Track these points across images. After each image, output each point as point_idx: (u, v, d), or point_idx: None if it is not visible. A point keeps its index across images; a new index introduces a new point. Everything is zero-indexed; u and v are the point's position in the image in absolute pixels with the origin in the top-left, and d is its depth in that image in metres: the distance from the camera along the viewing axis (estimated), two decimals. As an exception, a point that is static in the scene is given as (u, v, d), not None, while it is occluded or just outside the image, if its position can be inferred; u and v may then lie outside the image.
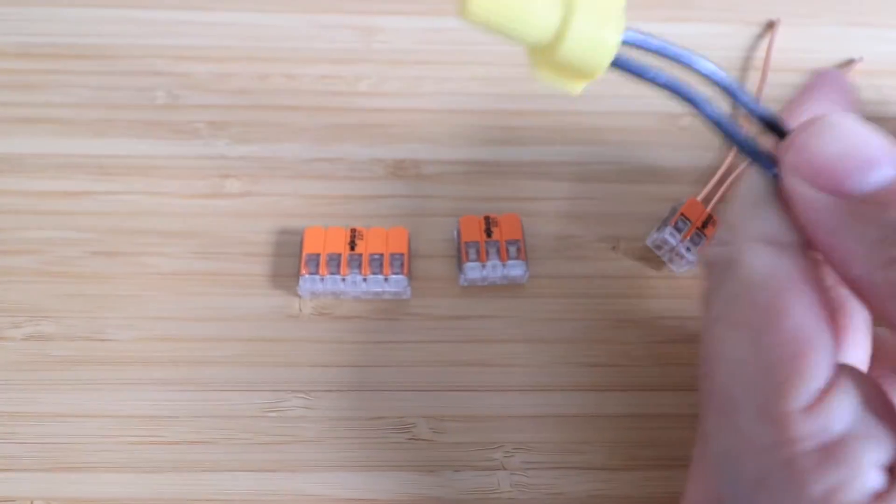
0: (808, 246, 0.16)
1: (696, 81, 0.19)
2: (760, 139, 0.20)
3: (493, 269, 0.26)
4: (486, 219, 0.27)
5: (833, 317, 0.16)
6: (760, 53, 0.32)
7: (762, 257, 0.16)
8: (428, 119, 0.30)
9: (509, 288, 0.26)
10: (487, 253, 0.26)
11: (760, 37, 0.32)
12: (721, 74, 0.18)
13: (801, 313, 0.15)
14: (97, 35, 0.32)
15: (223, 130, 0.30)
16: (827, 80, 0.20)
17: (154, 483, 0.23)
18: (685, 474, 0.23)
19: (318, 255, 0.26)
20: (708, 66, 0.18)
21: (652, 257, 0.27)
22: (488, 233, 0.26)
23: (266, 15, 0.34)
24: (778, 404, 0.15)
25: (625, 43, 0.17)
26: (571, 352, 0.25)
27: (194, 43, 0.32)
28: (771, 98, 0.30)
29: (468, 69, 0.32)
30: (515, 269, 0.26)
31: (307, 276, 0.25)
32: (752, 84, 0.31)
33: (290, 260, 0.27)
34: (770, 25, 0.32)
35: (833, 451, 0.14)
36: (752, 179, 0.17)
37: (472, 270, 0.26)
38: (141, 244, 0.27)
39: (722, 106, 0.20)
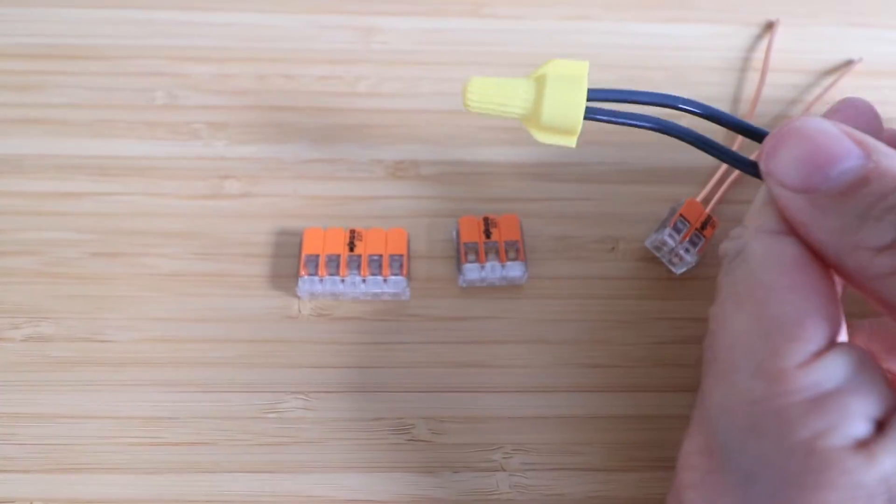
0: None
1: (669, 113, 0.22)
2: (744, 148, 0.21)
3: (492, 270, 0.26)
4: (485, 220, 0.27)
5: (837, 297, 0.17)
6: (760, 54, 0.32)
7: (764, 242, 0.18)
8: (427, 120, 0.30)
9: (508, 289, 0.26)
10: (486, 254, 0.26)
11: (760, 37, 0.32)
12: (693, 102, 0.21)
13: (800, 287, 0.17)
14: (97, 35, 0.32)
15: (222, 131, 0.30)
16: (851, 105, 0.21)
17: (154, 484, 0.23)
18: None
19: (318, 256, 0.26)
20: (673, 99, 0.21)
21: (651, 258, 0.27)
22: (487, 234, 0.26)
23: (266, 15, 0.34)
24: (774, 362, 0.16)
25: (591, 100, 0.21)
26: (570, 353, 0.25)
27: (194, 43, 0.32)
28: (772, 99, 0.30)
29: (467, 69, 0.32)
30: (514, 270, 0.26)
31: (306, 277, 0.25)
32: (751, 84, 0.31)
33: (289, 261, 0.27)
34: (769, 26, 0.32)
35: (822, 402, 0.15)
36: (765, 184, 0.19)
37: (471, 271, 0.26)
38: (140, 245, 0.27)
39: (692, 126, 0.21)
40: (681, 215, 0.26)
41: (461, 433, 0.24)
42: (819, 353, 0.16)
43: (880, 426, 0.15)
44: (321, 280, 0.25)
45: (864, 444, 0.15)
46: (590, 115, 0.21)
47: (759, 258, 0.18)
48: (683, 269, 0.26)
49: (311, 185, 0.28)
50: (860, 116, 0.21)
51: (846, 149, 0.17)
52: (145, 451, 0.23)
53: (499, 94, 0.22)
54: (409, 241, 0.27)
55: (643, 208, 0.28)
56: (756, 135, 0.21)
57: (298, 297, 0.26)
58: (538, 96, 0.21)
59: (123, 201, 0.28)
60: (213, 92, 0.31)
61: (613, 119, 0.21)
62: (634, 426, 0.24)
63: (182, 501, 0.22)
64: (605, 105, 0.21)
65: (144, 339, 0.25)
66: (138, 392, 0.24)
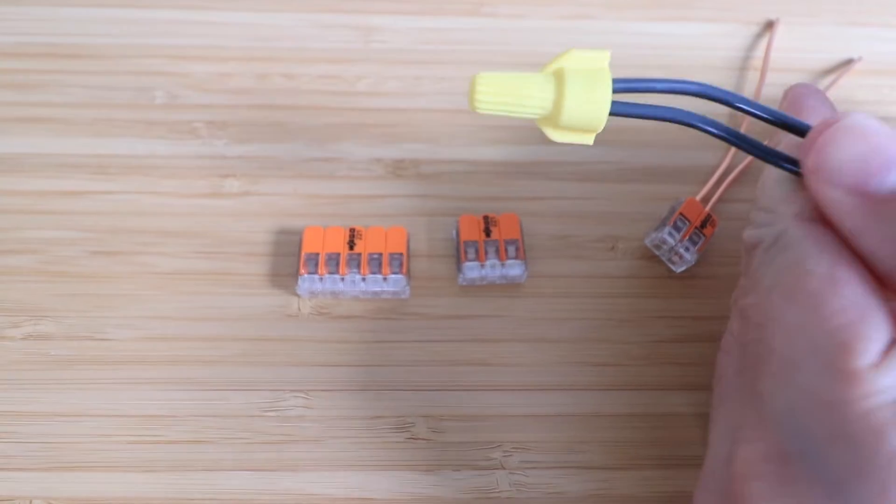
0: None
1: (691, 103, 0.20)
2: (773, 140, 0.20)
3: (492, 269, 0.26)
4: (485, 218, 0.27)
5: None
6: (760, 53, 0.32)
7: (807, 230, 0.17)
8: (427, 119, 0.30)
9: (508, 287, 0.26)
10: (486, 252, 0.26)
11: (759, 36, 0.32)
12: (714, 88, 0.19)
13: (858, 282, 0.16)
14: (97, 35, 0.32)
15: (222, 130, 0.30)
16: (806, 91, 0.21)
17: (153, 482, 0.23)
18: (684, 474, 0.23)
19: (317, 254, 0.26)
20: (695, 88, 0.19)
21: (651, 257, 0.27)
22: (487, 232, 0.26)
23: (266, 15, 0.34)
24: (845, 361, 0.15)
25: (616, 92, 0.19)
26: (570, 351, 0.25)
27: (194, 42, 0.32)
28: (770, 98, 0.30)
29: (467, 68, 0.32)
30: (514, 269, 0.26)
31: (306, 275, 0.25)
32: (751, 84, 0.31)
33: (289, 259, 0.27)
34: (769, 25, 0.32)
35: None
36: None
37: (471, 270, 0.26)
38: (140, 244, 0.27)
39: (720, 118, 0.20)
40: (680, 214, 0.26)
41: (461, 431, 0.24)
42: (888, 352, 0.15)
43: None
44: (321, 278, 0.25)
45: None
46: (617, 110, 0.19)
47: (806, 247, 0.17)
48: (683, 268, 0.26)
49: (310, 184, 0.28)
50: (821, 106, 0.20)
51: None
52: (145, 450, 0.23)
53: (512, 93, 0.19)
54: (408, 240, 0.27)
55: (643, 207, 0.28)
56: (794, 128, 0.19)
57: (298, 296, 0.26)
58: (558, 94, 0.18)
59: (123, 200, 0.28)
60: (213, 91, 0.31)
61: (642, 113, 0.19)
62: (634, 424, 0.24)
63: (182, 499, 0.22)
64: (624, 98, 0.19)
65: (144, 337, 0.25)
66: (138, 390, 0.24)
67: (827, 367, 0.15)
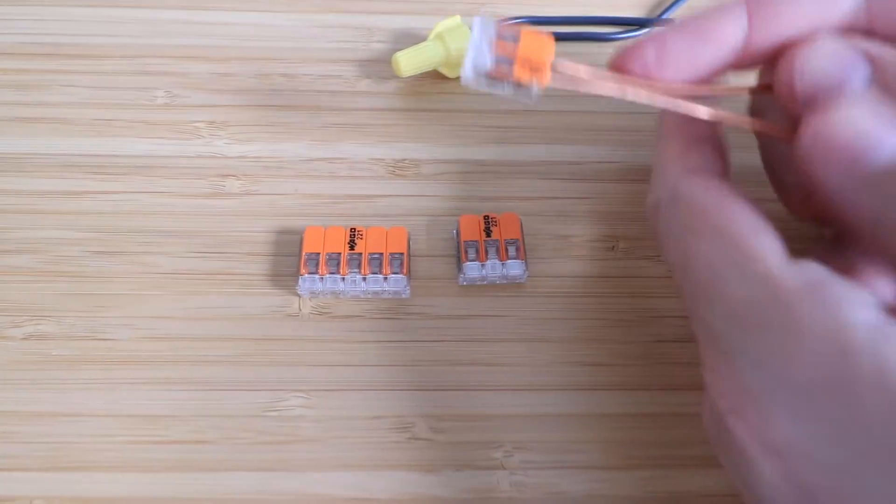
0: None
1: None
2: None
3: (493, 269, 0.26)
4: (486, 218, 0.27)
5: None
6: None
7: (696, 181, 0.20)
8: (427, 118, 0.30)
9: (508, 287, 0.26)
10: (487, 252, 0.26)
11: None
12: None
13: (748, 209, 0.18)
14: (97, 35, 0.32)
15: (223, 130, 0.30)
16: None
17: (154, 482, 0.23)
18: (685, 474, 0.23)
19: (318, 254, 0.26)
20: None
21: (651, 256, 0.27)
22: (487, 232, 0.26)
23: (266, 15, 0.34)
24: (757, 266, 0.18)
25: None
26: (570, 351, 0.25)
27: (194, 42, 0.32)
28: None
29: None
30: (514, 269, 0.26)
31: (307, 275, 0.25)
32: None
33: (289, 259, 0.27)
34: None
35: (822, 290, 0.17)
36: (669, 131, 0.21)
37: (472, 270, 0.26)
38: (141, 244, 0.27)
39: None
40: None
41: (461, 431, 0.24)
42: (789, 257, 0.18)
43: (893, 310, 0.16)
44: (322, 278, 0.25)
45: (874, 329, 0.16)
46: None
47: (700, 193, 0.19)
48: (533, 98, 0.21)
49: (311, 184, 0.28)
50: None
51: (894, 128, 0.17)
52: (145, 450, 0.23)
53: (421, 58, 0.30)
54: (409, 240, 0.27)
55: (643, 207, 0.28)
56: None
57: (299, 296, 0.26)
58: (443, 47, 0.30)
59: (124, 200, 0.28)
60: (214, 91, 0.31)
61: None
62: (634, 424, 0.24)
63: (183, 499, 0.22)
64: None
65: (145, 337, 0.25)
66: (139, 390, 0.24)
67: (742, 274, 0.18)
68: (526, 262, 0.26)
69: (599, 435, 0.24)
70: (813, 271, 0.17)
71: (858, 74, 0.19)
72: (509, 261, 0.26)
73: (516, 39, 0.20)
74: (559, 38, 0.30)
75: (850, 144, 0.17)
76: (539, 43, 0.21)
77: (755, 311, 0.18)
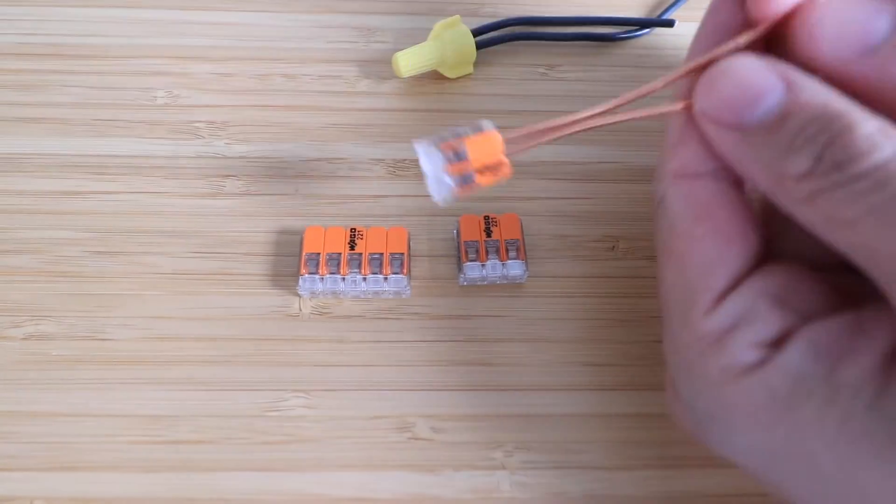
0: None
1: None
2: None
3: (493, 269, 0.26)
4: (486, 218, 0.27)
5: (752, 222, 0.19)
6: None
7: (678, 189, 0.19)
8: (427, 118, 0.30)
9: (509, 287, 0.26)
10: (487, 252, 0.26)
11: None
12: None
13: (711, 234, 0.19)
14: (97, 35, 0.32)
15: (223, 130, 0.30)
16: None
17: (154, 482, 0.23)
18: (685, 474, 0.23)
19: (318, 254, 0.26)
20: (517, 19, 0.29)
21: (651, 257, 0.27)
22: (488, 232, 0.26)
23: (266, 15, 0.34)
24: (690, 314, 0.18)
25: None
26: (571, 351, 0.25)
27: (194, 42, 0.32)
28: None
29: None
30: (515, 269, 0.26)
31: (307, 275, 0.25)
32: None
33: (290, 259, 0.27)
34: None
35: (720, 340, 0.18)
36: (670, 125, 0.21)
37: (472, 270, 0.26)
38: (141, 244, 0.27)
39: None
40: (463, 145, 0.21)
41: (462, 431, 0.24)
42: (720, 298, 0.18)
43: (775, 344, 0.17)
44: (322, 279, 0.25)
45: (750, 370, 0.17)
46: (480, 46, 0.31)
47: (675, 207, 0.19)
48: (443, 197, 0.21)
49: (311, 184, 0.28)
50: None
51: (770, 84, 0.18)
52: (146, 450, 0.23)
53: (421, 58, 0.30)
54: (409, 240, 0.27)
55: (643, 207, 0.28)
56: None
57: (299, 296, 0.26)
58: (443, 48, 0.30)
59: (124, 200, 0.28)
60: (214, 91, 0.31)
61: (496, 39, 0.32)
62: (635, 425, 0.24)
63: (183, 499, 0.22)
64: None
65: (145, 337, 0.25)
66: (139, 390, 0.24)
67: (682, 319, 0.19)
68: (526, 262, 0.26)
69: (600, 435, 0.24)
70: (722, 319, 0.18)
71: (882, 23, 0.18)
72: (510, 261, 0.26)
73: (464, 156, 0.21)
74: (559, 38, 0.31)
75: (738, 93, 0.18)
76: (485, 145, 0.21)
77: (683, 357, 0.19)
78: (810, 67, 0.18)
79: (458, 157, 0.20)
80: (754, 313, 0.18)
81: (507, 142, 0.21)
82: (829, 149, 0.16)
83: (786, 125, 0.17)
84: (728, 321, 0.18)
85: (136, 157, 0.29)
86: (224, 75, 0.31)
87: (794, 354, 0.17)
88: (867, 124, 0.16)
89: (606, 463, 0.23)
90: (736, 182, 0.19)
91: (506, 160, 0.21)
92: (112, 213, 0.27)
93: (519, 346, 0.25)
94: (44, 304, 0.25)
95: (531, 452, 0.23)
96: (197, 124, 0.30)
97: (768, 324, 0.18)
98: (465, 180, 0.21)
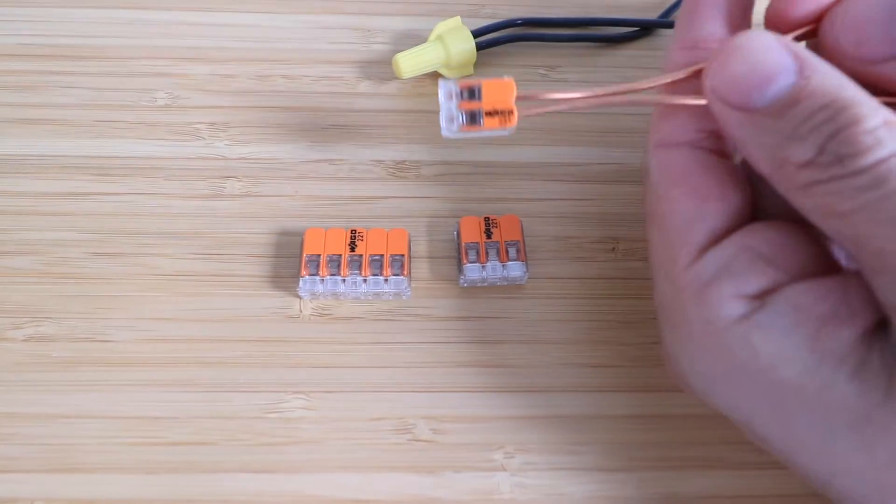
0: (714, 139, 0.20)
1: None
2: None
3: (493, 270, 0.26)
4: (486, 220, 0.27)
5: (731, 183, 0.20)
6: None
7: (659, 157, 0.20)
8: (428, 119, 0.30)
9: (509, 289, 0.26)
10: (487, 254, 0.26)
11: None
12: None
13: (690, 195, 0.19)
14: (97, 35, 0.32)
15: (223, 131, 0.30)
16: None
17: (155, 484, 0.23)
18: (685, 475, 0.23)
19: (319, 256, 0.26)
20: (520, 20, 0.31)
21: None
22: (488, 234, 0.26)
23: (266, 15, 0.34)
24: (672, 268, 0.19)
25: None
26: (571, 353, 0.25)
27: (195, 44, 0.32)
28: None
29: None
30: (515, 270, 0.26)
31: (307, 277, 0.25)
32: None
33: (290, 261, 0.27)
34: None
35: (701, 292, 0.18)
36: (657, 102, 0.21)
37: (472, 271, 0.26)
38: (141, 245, 0.27)
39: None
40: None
41: (462, 433, 0.24)
42: (701, 251, 0.19)
43: (758, 297, 0.18)
44: (322, 280, 0.25)
45: (739, 321, 0.18)
46: (480, 47, 0.31)
47: (656, 174, 0.20)
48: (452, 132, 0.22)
49: (312, 186, 0.28)
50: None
51: (783, 65, 0.18)
52: (146, 451, 0.23)
53: (422, 59, 0.31)
54: (409, 241, 0.27)
55: (644, 208, 0.28)
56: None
57: (300, 297, 0.26)
58: (443, 49, 0.31)
59: (125, 201, 0.28)
60: (215, 92, 0.31)
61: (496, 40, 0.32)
62: (635, 426, 0.24)
63: (184, 501, 0.22)
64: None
65: (145, 338, 0.25)
66: (139, 392, 0.24)
67: (665, 275, 0.20)
68: (526, 263, 0.26)
69: (600, 437, 0.24)
70: (703, 271, 0.18)
71: None
72: (510, 262, 0.26)
73: (478, 96, 0.22)
74: (560, 39, 0.31)
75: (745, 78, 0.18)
76: (500, 90, 0.22)
77: (668, 310, 0.20)
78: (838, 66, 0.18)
79: (472, 96, 0.22)
80: (736, 266, 0.18)
81: (521, 97, 0.21)
82: (833, 141, 0.17)
83: (792, 111, 0.17)
84: (709, 273, 0.18)
85: (137, 159, 0.29)
86: (224, 76, 0.31)
87: (776, 315, 0.17)
88: (873, 118, 0.16)
89: (606, 465, 0.23)
90: (717, 151, 0.20)
91: (515, 109, 0.22)
92: (112, 214, 0.27)
93: (519, 347, 0.25)
94: (44, 306, 0.25)
95: (531, 454, 0.23)
96: (197, 125, 0.30)
97: (751, 277, 0.18)
98: (473, 119, 0.22)
